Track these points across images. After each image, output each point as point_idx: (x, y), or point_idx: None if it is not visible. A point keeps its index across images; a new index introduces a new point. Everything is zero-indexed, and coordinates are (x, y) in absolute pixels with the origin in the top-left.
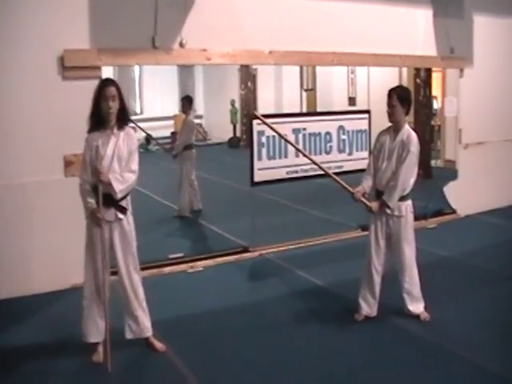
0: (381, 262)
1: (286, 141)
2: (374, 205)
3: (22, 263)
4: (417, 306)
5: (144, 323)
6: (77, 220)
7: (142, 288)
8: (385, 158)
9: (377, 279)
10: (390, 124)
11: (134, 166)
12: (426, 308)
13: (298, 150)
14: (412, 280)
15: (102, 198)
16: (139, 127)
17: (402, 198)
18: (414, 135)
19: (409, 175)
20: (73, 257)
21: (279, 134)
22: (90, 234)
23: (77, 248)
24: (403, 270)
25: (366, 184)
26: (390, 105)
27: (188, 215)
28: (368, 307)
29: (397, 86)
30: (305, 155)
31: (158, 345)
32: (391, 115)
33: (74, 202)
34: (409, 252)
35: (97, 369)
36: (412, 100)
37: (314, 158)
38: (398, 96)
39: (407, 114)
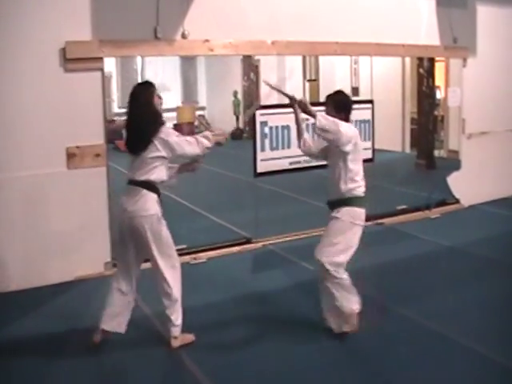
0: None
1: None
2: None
3: (26, 256)
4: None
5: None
6: (80, 213)
7: None
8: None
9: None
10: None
11: None
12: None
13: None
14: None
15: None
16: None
17: (342, 203)
18: None
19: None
20: (76, 250)
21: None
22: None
23: (80, 241)
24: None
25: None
26: (326, 113)
27: None
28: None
29: (335, 92)
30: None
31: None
32: None
33: (77, 194)
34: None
35: (101, 361)
36: (351, 106)
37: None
38: (334, 106)
39: (347, 119)
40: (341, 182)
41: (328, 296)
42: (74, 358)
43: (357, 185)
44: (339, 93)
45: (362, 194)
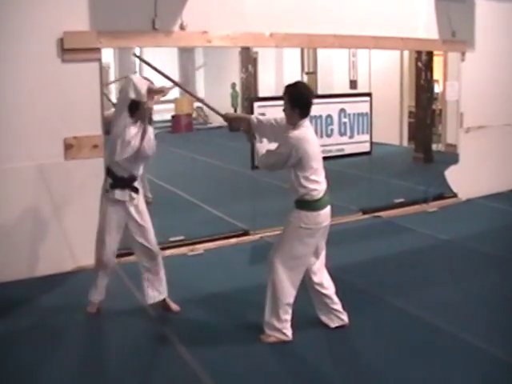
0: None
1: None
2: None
3: (23, 246)
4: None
5: (164, 284)
6: (77, 204)
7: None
8: None
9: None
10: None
11: None
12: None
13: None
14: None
15: (116, 180)
16: None
17: (297, 204)
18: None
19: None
20: (73, 240)
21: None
22: (104, 212)
23: (77, 231)
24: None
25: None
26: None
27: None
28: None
29: (293, 84)
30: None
31: (174, 305)
32: (286, 117)
33: (75, 185)
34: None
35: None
36: (309, 101)
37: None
38: (289, 99)
39: (302, 116)
40: (294, 184)
41: (316, 293)
42: (70, 352)
43: (307, 190)
44: (297, 85)
45: (315, 197)
